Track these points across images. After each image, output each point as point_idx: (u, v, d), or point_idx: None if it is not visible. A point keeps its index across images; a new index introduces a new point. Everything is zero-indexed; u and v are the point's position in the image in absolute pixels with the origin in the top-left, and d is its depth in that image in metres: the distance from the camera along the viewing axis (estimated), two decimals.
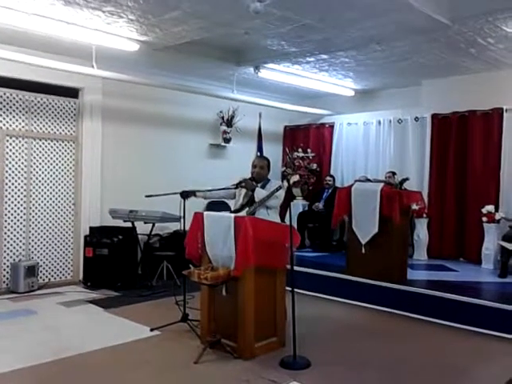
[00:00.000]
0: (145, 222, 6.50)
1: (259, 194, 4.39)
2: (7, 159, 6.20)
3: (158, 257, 6.83)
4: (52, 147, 6.59)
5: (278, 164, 9.06)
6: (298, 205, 8.57)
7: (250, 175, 4.58)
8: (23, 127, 6.33)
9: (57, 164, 6.63)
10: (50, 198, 6.58)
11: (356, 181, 6.61)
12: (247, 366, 3.84)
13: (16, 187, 6.28)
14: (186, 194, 4.70)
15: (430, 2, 4.64)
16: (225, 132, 8.27)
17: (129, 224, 6.55)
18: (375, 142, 8.35)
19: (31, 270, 6.13)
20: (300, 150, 8.96)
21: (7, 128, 6.19)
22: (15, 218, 6.29)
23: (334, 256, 7.42)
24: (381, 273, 5.66)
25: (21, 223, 6.34)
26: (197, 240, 4.30)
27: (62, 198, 6.69)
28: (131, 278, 6.50)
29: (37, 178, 6.46)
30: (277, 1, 4.38)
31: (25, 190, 6.36)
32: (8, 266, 6.20)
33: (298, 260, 6.24)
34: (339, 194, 6.34)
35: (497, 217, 6.56)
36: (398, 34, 5.36)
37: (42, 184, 6.51)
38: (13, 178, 6.25)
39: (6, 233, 6.21)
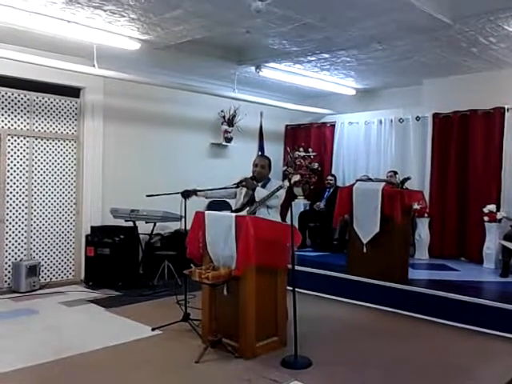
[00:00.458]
0: (146, 222, 6.50)
1: (260, 193, 4.38)
2: (9, 159, 6.20)
3: (160, 256, 6.83)
4: (53, 146, 6.59)
5: (280, 163, 9.07)
6: (300, 204, 8.58)
7: (251, 174, 4.57)
8: (25, 126, 6.33)
9: (58, 163, 6.64)
10: (52, 198, 6.58)
11: (357, 180, 6.61)
12: (248, 365, 3.84)
13: (17, 186, 6.29)
14: (187, 194, 4.70)
15: (432, 1, 4.63)
16: (226, 131, 8.27)
17: (130, 223, 6.55)
18: (376, 141, 8.34)
19: (33, 270, 6.14)
20: (301, 149, 8.95)
21: (9, 127, 6.20)
22: (17, 217, 6.29)
23: (334, 255, 7.42)
24: (382, 272, 5.66)
25: (22, 223, 6.34)
26: (198, 239, 4.30)
27: (63, 198, 6.69)
28: (132, 277, 6.50)
29: (38, 178, 6.46)
30: (278, 0, 4.38)
31: (26, 190, 6.36)
32: (10, 266, 6.20)
33: (299, 259, 6.21)
34: (340, 193, 6.34)
35: (498, 216, 6.54)
36: (400, 33, 5.35)
37: (44, 183, 6.51)
38: (14, 177, 6.26)
39: (7, 232, 6.22)
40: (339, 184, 8.34)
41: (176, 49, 5.99)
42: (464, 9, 4.74)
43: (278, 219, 4.49)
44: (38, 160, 6.46)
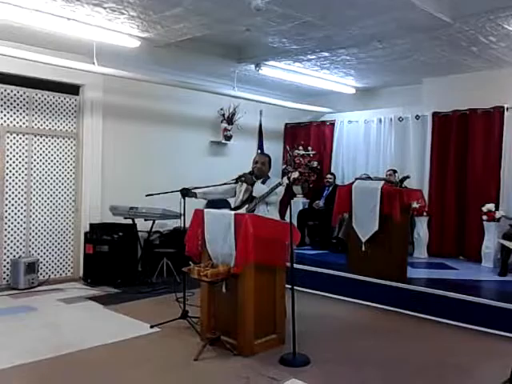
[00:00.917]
0: (145, 219, 6.51)
1: (259, 188, 4.39)
2: (8, 156, 6.20)
3: (158, 254, 6.84)
4: (52, 144, 6.59)
5: (279, 162, 9.06)
6: (299, 202, 8.59)
7: (249, 170, 4.59)
8: (24, 124, 6.33)
9: (57, 161, 6.63)
10: (51, 195, 6.58)
11: (356, 179, 6.61)
12: (247, 362, 3.85)
13: (16, 184, 6.29)
14: (185, 192, 4.69)
15: (432, 0, 4.63)
16: (225, 129, 8.26)
17: (129, 221, 6.55)
18: (376, 140, 8.35)
19: (31, 267, 6.14)
20: (301, 147, 8.95)
21: (8, 124, 6.19)
22: (15, 214, 6.29)
23: (333, 254, 7.43)
24: (381, 271, 5.67)
25: (21, 220, 6.34)
26: (197, 237, 4.30)
27: (62, 195, 6.69)
28: (131, 274, 6.51)
29: (37, 175, 6.46)
30: None
31: (25, 187, 6.36)
32: (8, 263, 6.20)
33: (297, 258, 6.24)
34: (339, 191, 6.35)
35: (497, 215, 6.55)
36: (399, 31, 5.35)
37: (43, 180, 6.51)
38: (13, 174, 6.26)
39: (6, 229, 6.22)
40: (338, 182, 8.35)
41: (176, 47, 5.99)
42: (464, 8, 4.75)
43: (277, 216, 4.50)
44: (37, 157, 6.46)
